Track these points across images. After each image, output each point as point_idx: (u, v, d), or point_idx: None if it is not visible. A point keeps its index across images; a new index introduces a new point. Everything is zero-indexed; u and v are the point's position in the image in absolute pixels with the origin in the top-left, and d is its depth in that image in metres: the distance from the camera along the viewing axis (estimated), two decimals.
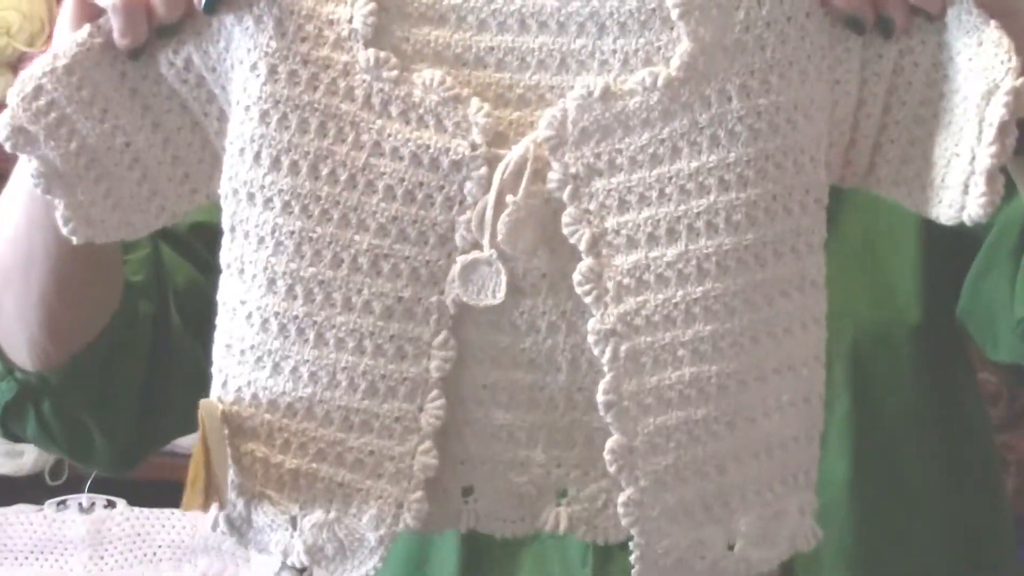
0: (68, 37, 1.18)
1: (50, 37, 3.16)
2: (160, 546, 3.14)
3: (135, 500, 3.14)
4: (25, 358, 1.43)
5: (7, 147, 1.17)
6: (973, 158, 1.12)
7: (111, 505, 3.14)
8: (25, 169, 1.20)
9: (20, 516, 3.14)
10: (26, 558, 3.11)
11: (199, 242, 1.52)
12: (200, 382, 1.44)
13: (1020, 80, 1.09)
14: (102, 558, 3.11)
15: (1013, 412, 2.87)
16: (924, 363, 1.54)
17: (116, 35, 1.17)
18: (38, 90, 1.17)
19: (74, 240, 1.20)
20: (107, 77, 1.20)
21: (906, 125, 1.20)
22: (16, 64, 3.28)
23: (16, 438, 1.52)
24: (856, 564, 1.44)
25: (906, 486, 1.53)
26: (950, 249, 1.43)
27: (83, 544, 3.10)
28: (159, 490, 2.94)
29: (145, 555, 3.13)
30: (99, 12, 1.18)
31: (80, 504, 3.12)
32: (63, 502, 3.13)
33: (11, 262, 1.37)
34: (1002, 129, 1.09)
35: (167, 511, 3.16)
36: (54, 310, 1.38)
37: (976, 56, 1.12)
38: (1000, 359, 1.51)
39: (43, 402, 1.45)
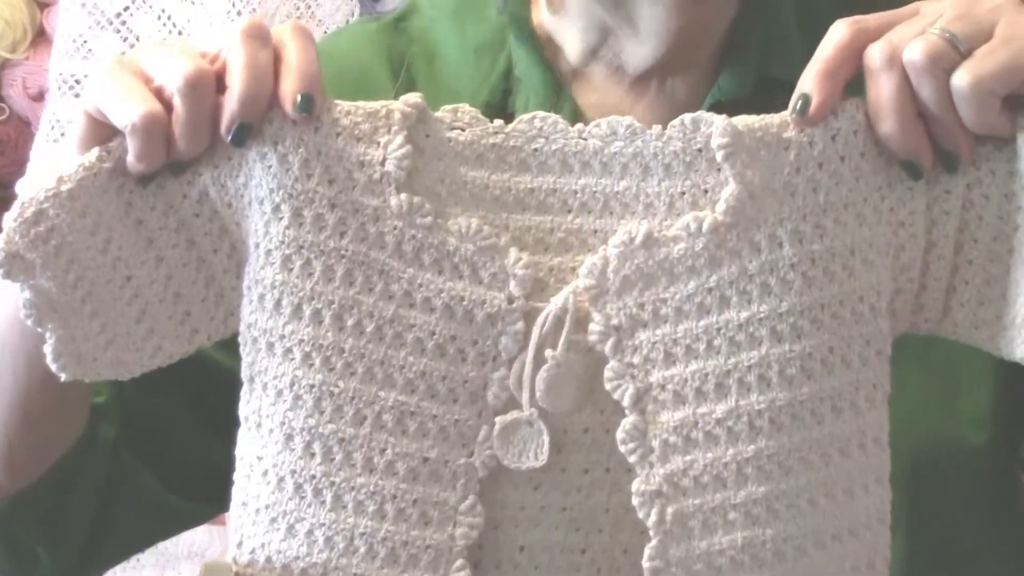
0: (75, 159, 1.13)
1: (32, 45, 3.27)
2: (144, 553, 3.13)
3: None
4: None
5: None
6: None
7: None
8: (9, 293, 1.15)
9: None
10: None
11: None
12: (148, 509, 1.49)
13: None
14: None
15: None
16: (988, 487, 1.50)
17: (131, 158, 1.12)
18: (39, 215, 1.11)
19: (62, 377, 1.15)
20: (113, 205, 1.15)
21: (981, 264, 1.16)
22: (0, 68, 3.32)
23: None
24: None
25: None
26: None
27: None
28: None
29: (129, 562, 3.11)
30: (111, 134, 1.13)
31: None
32: None
33: None
34: None
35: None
36: (12, 442, 1.35)
37: None
38: None
39: None
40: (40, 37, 3.30)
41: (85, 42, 3.11)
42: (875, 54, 1.09)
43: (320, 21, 2.98)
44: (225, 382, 1.23)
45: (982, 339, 1.17)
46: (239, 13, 2.93)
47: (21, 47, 3.27)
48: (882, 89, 1.09)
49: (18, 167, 1.43)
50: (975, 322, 1.17)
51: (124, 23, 3.02)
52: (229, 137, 1.11)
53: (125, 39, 3.01)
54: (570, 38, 1.49)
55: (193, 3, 2.97)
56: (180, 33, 2.97)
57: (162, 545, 3.12)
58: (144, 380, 1.38)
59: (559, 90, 1.48)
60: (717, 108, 1.36)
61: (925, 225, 1.15)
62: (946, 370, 1.23)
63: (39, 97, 3.23)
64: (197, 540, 3.15)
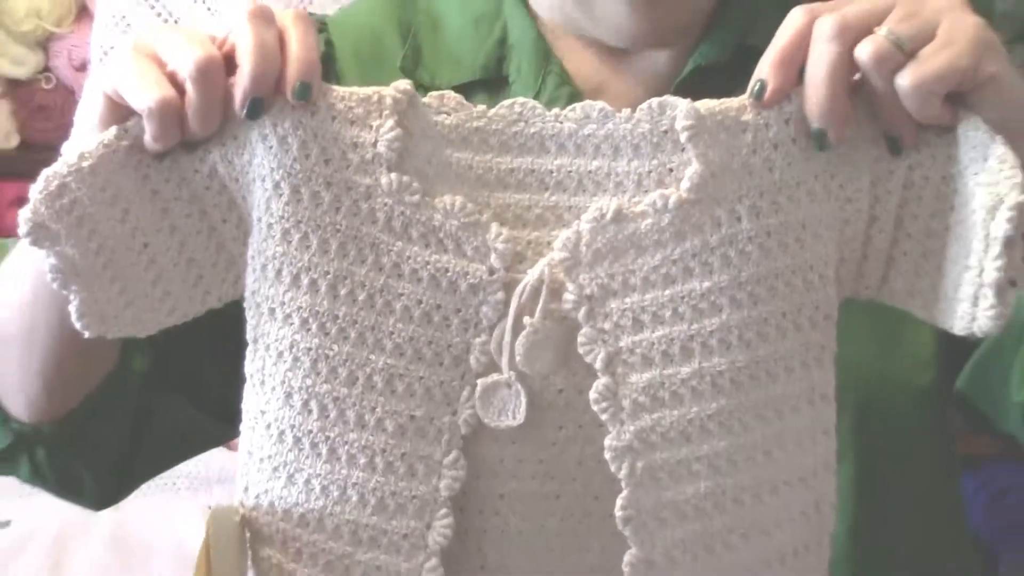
0: (95, 137, 1.17)
1: (76, 20, 3.32)
2: (179, 477, 3.26)
3: None
4: (22, 412, 1.43)
5: (27, 242, 1.15)
6: (982, 272, 1.11)
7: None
8: (38, 257, 1.18)
9: None
10: None
11: None
12: (180, 430, 1.55)
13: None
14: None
15: None
16: (930, 425, 1.55)
17: (148, 138, 1.16)
18: (62, 188, 1.14)
19: (85, 334, 1.19)
20: (130, 179, 1.18)
21: (918, 238, 1.19)
22: (45, 43, 3.38)
23: (6, 474, 1.52)
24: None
25: (901, 548, 1.54)
26: None
27: None
28: None
29: (167, 485, 3.23)
30: (128, 114, 1.17)
31: None
32: None
33: (14, 331, 1.37)
34: (1007, 243, 1.08)
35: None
36: (51, 378, 1.39)
37: (983, 171, 1.11)
38: (1005, 430, 1.51)
39: (36, 449, 1.46)
40: (83, 13, 3.33)
41: (123, 17, 3.14)
42: (823, 25, 1.12)
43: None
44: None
45: (916, 306, 1.21)
46: None
47: (66, 22, 3.30)
48: (822, 57, 1.12)
49: (63, 131, 1.47)
50: (911, 291, 1.20)
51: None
52: (244, 112, 1.14)
53: (159, 14, 3.01)
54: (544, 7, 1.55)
55: None
56: (208, 9, 2.99)
57: (195, 470, 3.26)
58: None
59: (547, 56, 1.52)
60: (698, 74, 1.45)
61: (869, 201, 1.19)
62: (894, 317, 1.25)
63: (82, 68, 3.27)
64: (227, 466, 3.20)
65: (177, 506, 3.17)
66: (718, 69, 1.46)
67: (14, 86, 3.40)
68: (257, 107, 1.14)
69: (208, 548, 1.23)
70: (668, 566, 1.21)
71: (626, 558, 1.20)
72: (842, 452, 1.26)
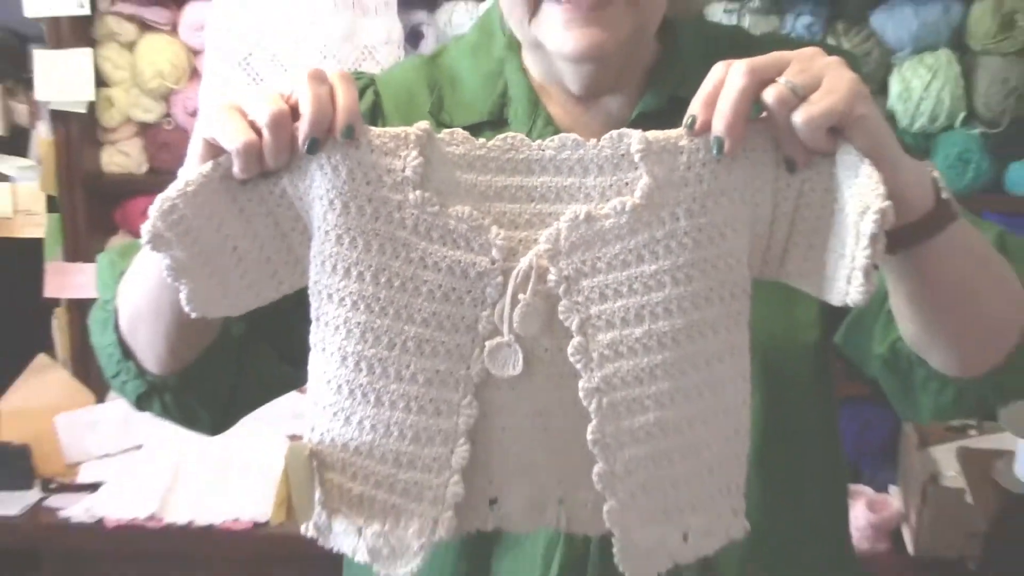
0: (196, 168, 1.19)
1: (189, 79, 3.31)
2: (266, 414, 3.11)
3: None
4: (152, 366, 1.45)
5: (148, 248, 1.17)
6: (853, 259, 1.14)
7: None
8: (156, 259, 1.20)
9: None
10: None
11: None
12: (271, 376, 1.57)
13: (887, 203, 1.10)
14: None
15: None
16: (816, 372, 1.55)
17: (235, 170, 1.19)
18: (172, 208, 1.16)
19: (192, 316, 1.22)
20: (222, 199, 1.20)
21: (807, 234, 1.20)
22: (167, 96, 3.38)
23: (144, 411, 1.54)
24: (760, 522, 1.40)
25: (798, 458, 1.54)
26: None
27: None
28: None
29: (258, 419, 3.02)
30: (220, 152, 1.20)
31: None
32: None
33: (145, 308, 1.38)
34: (872, 239, 1.10)
35: None
36: (173, 341, 1.40)
37: (855, 184, 1.13)
38: (869, 374, 1.52)
39: (165, 394, 1.48)
40: (194, 73, 3.32)
41: (224, 78, 3.12)
42: (736, 67, 1.15)
43: (378, 62, 2.99)
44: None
45: (805, 285, 1.22)
46: (324, 58, 2.95)
47: (182, 80, 3.30)
48: (732, 86, 1.14)
49: (180, 161, 1.46)
50: (801, 273, 1.21)
51: (248, 63, 3.01)
52: (305, 148, 1.17)
53: (249, 75, 3.02)
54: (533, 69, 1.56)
55: (296, 48, 2.99)
56: (284, 70, 2.99)
57: (278, 411, 3.16)
58: None
59: (536, 104, 1.53)
60: (642, 117, 1.47)
61: (771, 205, 1.20)
62: (788, 293, 1.26)
63: (194, 114, 3.27)
64: (297, 406, 3.16)
65: (265, 436, 3.14)
66: (657, 114, 1.47)
67: (144, 128, 3.41)
68: (314, 145, 1.18)
69: (287, 474, 1.27)
70: (626, 476, 1.23)
71: (595, 470, 1.23)
72: (752, 386, 1.29)
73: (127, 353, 1.46)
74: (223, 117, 1.19)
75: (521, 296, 1.21)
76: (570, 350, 1.22)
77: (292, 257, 1.25)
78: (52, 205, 3.38)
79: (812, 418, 1.57)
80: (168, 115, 3.37)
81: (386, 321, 1.22)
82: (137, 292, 1.40)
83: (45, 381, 3.30)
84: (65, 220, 3.36)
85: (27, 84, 3.36)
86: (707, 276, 1.20)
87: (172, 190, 1.17)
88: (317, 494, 1.27)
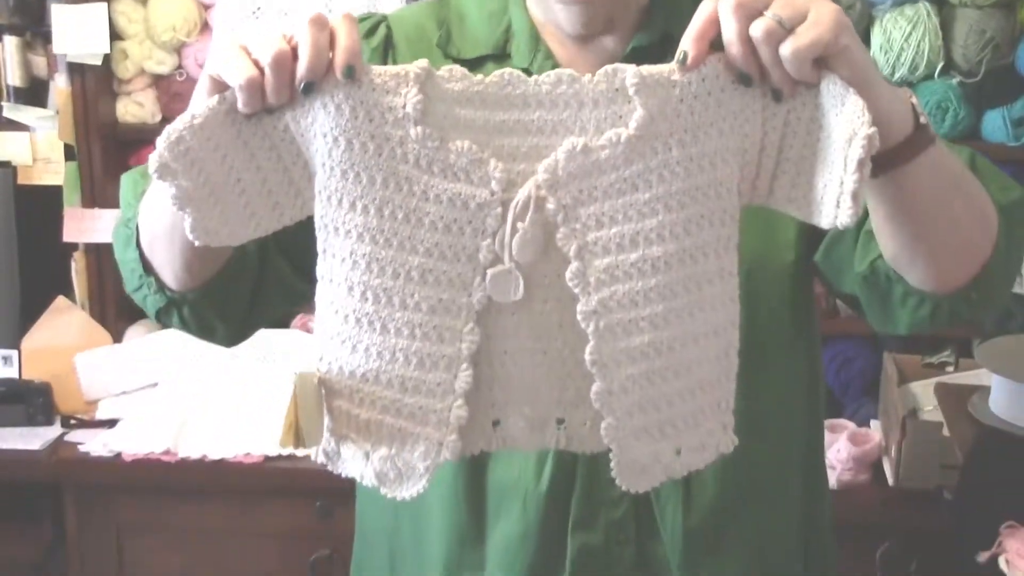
0: (203, 102, 1.20)
1: (200, 31, 3.30)
2: (274, 353, 3.25)
3: None
4: (171, 282, 1.46)
5: (155, 177, 1.18)
6: (842, 183, 1.14)
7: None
8: (166, 190, 1.21)
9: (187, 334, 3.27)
10: (191, 360, 3.22)
11: None
12: (286, 290, 1.57)
13: (872, 129, 1.11)
14: (237, 358, 3.22)
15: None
16: (794, 289, 1.59)
17: (240, 105, 1.20)
18: (179, 139, 1.17)
19: (196, 244, 1.22)
20: (227, 132, 1.20)
21: (794, 162, 1.21)
22: (179, 48, 3.38)
23: (166, 325, 1.56)
24: (739, 427, 1.41)
25: (776, 368, 1.57)
26: None
27: (226, 350, 3.18)
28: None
29: (265, 357, 3.26)
30: (226, 88, 1.20)
31: None
32: None
33: (160, 230, 1.40)
34: (860, 164, 1.12)
35: (278, 330, 3.31)
36: (189, 261, 1.42)
37: (841, 113, 1.15)
38: (843, 291, 1.57)
39: (183, 308, 1.50)
40: (205, 26, 3.32)
41: (233, 29, 3.17)
42: (725, 6, 1.16)
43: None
44: None
45: (792, 209, 1.23)
46: (330, 11, 2.94)
47: (193, 33, 3.29)
48: (729, 29, 1.16)
49: None
50: (789, 198, 1.22)
51: (257, 16, 3.03)
52: (301, 90, 1.18)
53: (259, 23, 3.04)
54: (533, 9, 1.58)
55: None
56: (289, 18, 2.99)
57: (285, 348, 3.28)
58: None
59: (537, 40, 1.56)
60: (634, 54, 1.49)
61: (760, 135, 1.21)
62: (770, 214, 1.28)
63: (203, 65, 3.28)
64: (305, 346, 3.25)
65: (274, 374, 3.17)
66: (649, 51, 1.50)
67: (157, 79, 3.41)
68: (309, 88, 1.19)
69: (295, 400, 1.25)
70: (622, 394, 1.24)
71: (593, 388, 1.24)
72: None
73: (148, 269, 1.47)
74: (228, 55, 1.20)
75: (520, 225, 1.21)
76: (568, 275, 1.22)
77: (293, 190, 1.25)
78: (70, 153, 3.37)
79: (791, 334, 1.60)
80: (180, 67, 3.36)
81: (390, 252, 1.22)
82: (153, 215, 1.40)
83: (64, 322, 3.30)
84: (82, 168, 3.36)
85: (45, 37, 3.35)
86: (698, 203, 1.21)
87: (179, 122, 1.18)
88: (326, 421, 1.27)
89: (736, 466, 1.48)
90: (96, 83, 3.34)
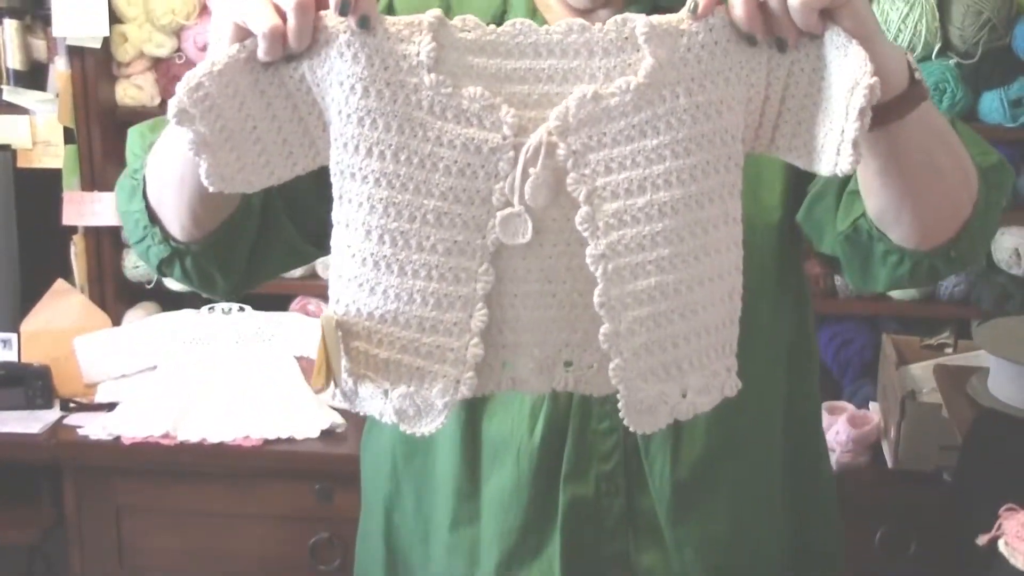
0: (223, 49, 1.23)
1: (199, 15, 3.32)
2: (273, 336, 3.28)
3: (257, 306, 3.29)
4: (176, 233, 1.50)
5: (173, 122, 1.21)
6: (843, 131, 1.19)
7: (243, 310, 3.29)
8: (181, 133, 1.23)
9: (187, 317, 3.30)
10: (190, 343, 3.26)
11: None
12: (287, 249, 1.61)
13: (874, 79, 1.16)
14: (237, 342, 3.26)
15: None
16: (779, 247, 1.63)
17: (260, 53, 1.22)
18: (199, 85, 1.20)
19: (211, 189, 1.25)
20: (246, 80, 1.24)
21: (796, 111, 1.26)
22: (178, 31, 3.40)
23: (165, 276, 1.59)
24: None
25: (762, 323, 1.60)
26: (799, 176, 1.53)
27: (225, 334, 3.27)
28: (272, 301, 3.25)
29: (265, 339, 3.28)
30: (247, 35, 1.23)
31: (223, 309, 3.28)
32: (212, 307, 3.28)
33: (169, 178, 1.43)
34: (861, 112, 1.16)
35: (276, 313, 3.32)
36: (196, 211, 1.45)
37: (843, 64, 1.19)
38: (822, 250, 1.62)
39: (186, 259, 1.53)
40: (204, 9, 3.34)
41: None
42: None
43: None
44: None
45: (793, 157, 1.28)
46: None
47: (192, 16, 3.31)
48: None
49: None
50: (790, 146, 1.27)
51: None
52: (337, 9, 1.21)
53: None
54: None
55: None
56: None
57: (284, 331, 3.30)
58: None
59: (534, 11, 1.60)
60: None
61: (764, 85, 1.25)
62: (754, 176, 1.36)
63: (204, 49, 3.30)
64: (304, 330, 3.32)
65: (271, 355, 3.21)
66: None
67: (156, 62, 3.43)
68: (345, 7, 1.22)
69: (324, 342, 1.29)
70: (630, 336, 1.28)
71: (602, 330, 1.28)
72: None
73: (154, 219, 1.50)
74: (251, 1, 1.22)
75: (532, 170, 1.24)
76: (578, 219, 1.26)
77: (307, 139, 1.29)
78: (69, 137, 3.39)
79: (777, 292, 1.65)
80: (179, 50, 3.38)
81: (407, 196, 1.25)
82: (164, 164, 1.43)
83: (64, 305, 3.32)
84: (81, 151, 3.39)
85: (45, 20, 3.37)
86: (704, 150, 1.25)
87: (199, 68, 1.22)
88: (343, 362, 1.31)
89: (722, 421, 1.54)
90: (95, 66, 3.36)
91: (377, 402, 1.32)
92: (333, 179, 1.28)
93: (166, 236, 1.51)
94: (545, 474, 1.63)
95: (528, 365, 1.32)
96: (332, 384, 1.31)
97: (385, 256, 1.27)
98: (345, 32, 1.22)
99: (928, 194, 1.39)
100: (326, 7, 1.23)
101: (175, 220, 1.48)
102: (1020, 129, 3.13)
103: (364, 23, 1.22)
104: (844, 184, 1.51)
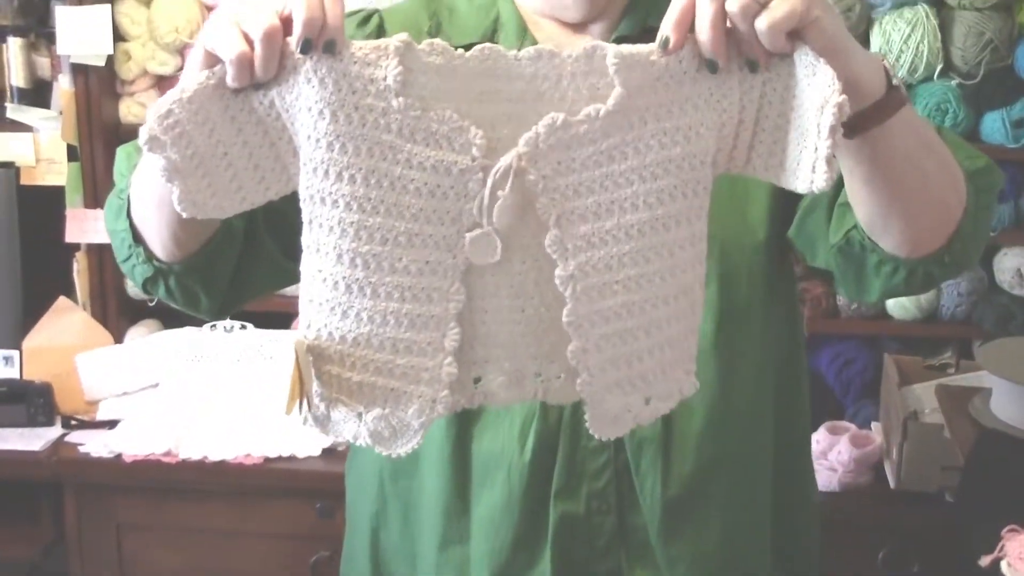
0: (193, 77, 1.24)
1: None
2: (274, 354, 3.27)
3: (259, 324, 3.29)
4: (159, 253, 1.52)
5: (144, 149, 1.22)
6: (816, 149, 1.21)
7: (244, 328, 3.30)
8: (155, 162, 1.24)
9: (189, 335, 3.30)
10: (192, 361, 3.26)
11: None
12: (271, 269, 1.62)
13: (842, 97, 1.18)
14: (239, 360, 3.26)
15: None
16: (766, 265, 1.65)
17: (228, 79, 1.23)
18: (168, 112, 1.22)
19: (184, 215, 1.26)
20: (216, 106, 1.25)
21: (770, 131, 1.27)
22: (182, 49, 3.41)
23: (150, 294, 1.61)
24: (715, 398, 1.57)
25: (751, 341, 1.63)
26: (786, 194, 1.48)
27: (227, 352, 3.26)
28: (274, 319, 3.22)
29: (265, 358, 3.27)
30: (218, 60, 1.24)
31: (224, 327, 3.29)
32: (214, 326, 3.29)
33: (149, 200, 1.45)
34: (832, 130, 1.18)
35: (278, 331, 3.31)
36: (177, 233, 1.47)
37: (813, 82, 1.21)
38: (816, 265, 1.63)
39: (170, 279, 1.55)
40: None
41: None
42: None
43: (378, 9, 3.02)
44: None
45: (770, 176, 1.28)
46: None
47: (196, 34, 3.31)
48: (704, 14, 1.21)
49: None
50: (766, 166, 1.28)
51: None
52: (298, 49, 1.21)
53: None
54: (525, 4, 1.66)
55: None
56: None
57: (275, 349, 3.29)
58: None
59: (524, 30, 1.63)
60: (617, 42, 1.53)
61: (737, 108, 1.26)
62: (741, 194, 1.40)
63: None
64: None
65: (273, 373, 3.21)
66: (630, 39, 1.51)
67: (160, 80, 3.46)
68: (307, 46, 1.22)
69: (298, 366, 1.29)
70: (597, 352, 1.29)
71: (569, 348, 1.29)
72: (709, 278, 1.38)
73: (138, 238, 1.52)
74: (221, 28, 1.23)
75: (500, 192, 1.25)
76: (547, 242, 1.26)
77: (279, 164, 1.29)
78: (72, 154, 3.41)
79: (766, 307, 1.66)
80: (183, 68, 3.36)
81: (378, 219, 1.26)
82: (144, 186, 1.45)
83: (66, 322, 3.34)
84: (85, 168, 3.41)
85: (49, 38, 3.41)
86: (671, 174, 1.27)
87: (169, 95, 1.23)
88: (315, 387, 1.31)
89: (713, 438, 1.57)
90: (99, 84, 3.39)
91: (351, 425, 1.32)
92: (303, 204, 1.28)
93: (149, 256, 1.53)
94: (536, 491, 1.64)
95: (499, 379, 1.33)
96: (301, 409, 1.32)
97: (358, 279, 1.27)
98: (312, 58, 1.23)
99: (916, 200, 1.41)
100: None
101: (157, 241, 1.50)
102: (1022, 150, 3.14)
103: (330, 48, 1.22)
104: (835, 197, 1.52)
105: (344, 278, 1.28)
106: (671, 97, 1.25)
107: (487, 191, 1.26)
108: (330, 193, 1.26)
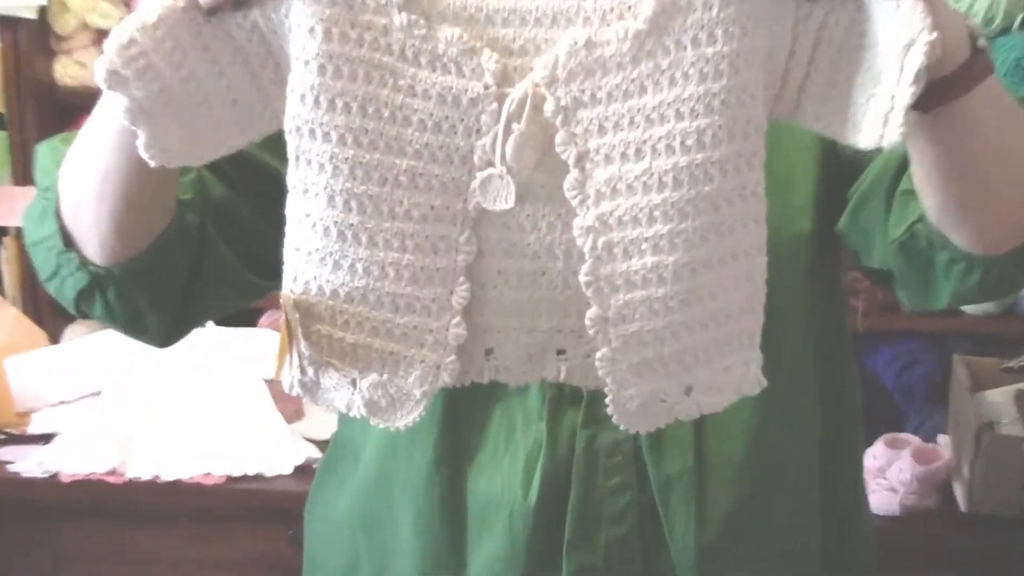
0: (156, 1, 1.23)
1: None
2: (239, 356, 3.31)
3: (221, 321, 3.27)
4: (96, 254, 1.47)
5: (103, 87, 1.21)
6: (893, 97, 1.18)
7: (203, 325, 3.26)
8: (112, 106, 1.24)
9: None
10: (140, 364, 3.23)
11: (227, 164, 1.53)
12: (229, 280, 1.59)
13: (935, 35, 1.15)
14: (196, 363, 3.26)
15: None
16: (810, 260, 1.63)
17: (203, 0, 1.23)
18: (130, 42, 1.20)
19: (152, 164, 1.25)
20: (186, 34, 1.24)
21: (826, 72, 1.26)
22: (128, 1, 3.43)
23: (85, 316, 1.57)
24: (754, 418, 1.57)
25: (792, 345, 1.62)
26: (835, 179, 1.52)
27: (182, 353, 3.19)
28: (239, 315, 3.01)
29: (227, 361, 3.30)
30: None
31: None
32: None
33: (88, 181, 1.42)
34: (918, 75, 1.15)
35: (244, 329, 3.35)
36: (121, 219, 1.43)
37: (895, 17, 1.18)
38: (871, 264, 1.60)
39: (108, 290, 1.50)
40: None
41: None
42: None
43: None
44: (279, 185, 1.32)
45: (822, 127, 1.29)
46: None
47: None
48: None
49: None
50: (819, 114, 1.28)
51: None
52: None
53: None
54: None
55: None
56: None
57: (249, 349, 3.35)
58: (225, 182, 1.53)
59: None
60: None
61: (790, 39, 1.25)
62: (782, 177, 1.35)
63: None
64: (267, 349, 3.28)
65: (239, 379, 3.24)
66: None
67: (102, 35, 3.42)
68: None
69: (287, 324, 1.30)
70: (619, 322, 1.29)
71: (588, 314, 1.29)
72: None
73: (69, 243, 1.48)
74: None
75: (515, 126, 1.26)
76: (566, 185, 1.27)
77: (261, 98, 1.31)
78: (0, 122, 3.42)
79: (809, 305, 1.65)
80: None
81: (376, 155, 1.26)
82: (83, 164, 1.43)
83: None
84: (13, 138, 3.42)
85: None
86: (714, 112, 1.24)
87: (130, 22, 1.22)
88: (302, 348, 1.31)
89: (753, 468, 1.57)
90: (30, 39, 3.40)
91: (343, 393, 1.33)
92: (288, 137, 1.28)
93: (84, 261, 1.49)
94: (544, 540, 1.61)
95: (515, 352, 1.34)
96: (295, 373, 1.33)
97: (352, 225, 1.28)
98: None
99: (998, 187, 1.37)
100: None
101: (95, 236, 1.46)
102: None
103: None
104: (894, 184, 1.50)
105: (336, 223, 1.28)
106: (713, 17, 1.22)
107: (501, 124, 1.26)
108: (321, 124, 1.26)
